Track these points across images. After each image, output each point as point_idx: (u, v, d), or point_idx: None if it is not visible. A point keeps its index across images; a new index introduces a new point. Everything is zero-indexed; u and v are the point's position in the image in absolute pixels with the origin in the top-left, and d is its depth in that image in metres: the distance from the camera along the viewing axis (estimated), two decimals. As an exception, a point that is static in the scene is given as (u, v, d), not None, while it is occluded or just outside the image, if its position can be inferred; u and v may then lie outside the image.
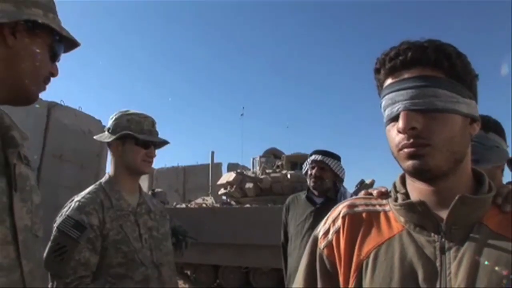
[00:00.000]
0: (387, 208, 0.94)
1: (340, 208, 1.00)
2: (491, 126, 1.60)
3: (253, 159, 10.08)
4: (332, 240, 0.96)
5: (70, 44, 1.13)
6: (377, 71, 0.90)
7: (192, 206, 8.83)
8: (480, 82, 0.88)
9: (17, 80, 1.00)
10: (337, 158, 3.18)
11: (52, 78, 1.11)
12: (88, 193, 1.90)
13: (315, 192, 3.15)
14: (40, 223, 1.09)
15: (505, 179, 1.74)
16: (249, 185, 8.47)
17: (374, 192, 1.01)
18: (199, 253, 7.23)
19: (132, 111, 2.06)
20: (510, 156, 1.66)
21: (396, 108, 0.83)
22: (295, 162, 8.81)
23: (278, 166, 8.98)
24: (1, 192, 0.92)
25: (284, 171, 8.57)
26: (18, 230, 0.93)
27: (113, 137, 1.96)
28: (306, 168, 3.27)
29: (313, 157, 3.18)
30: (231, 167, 13.55)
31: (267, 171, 8.78)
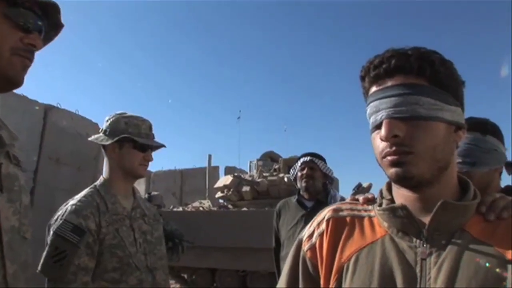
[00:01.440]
0: (372, 213, 0.95)
1: (325, 212, 1.01)
2: (489, 129, 1.60)
3: (250, 162, 10.08)
4: (315, 243, 0.97)
5: (46, 10, 1.04)
6: (362, 78, 0.91)
7: (189, 209, 8.82)
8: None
9: None
10: (323, 159, 3.24)
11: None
12: (84, 196, 1.87)
13: (306, 196, 3.18)
14: (29, 224, 1.07)
15: (504, 182, 1.73)
16: (246, 188, 8.47)
17: (360, 198, 1.02)
18: (196, 256, 7.23)
19: (129, 113, 2.04)
20: (508, 159, 1.66)
21: (380, 116, 0.84)
22: (292, 165, 8.81)
23: (275, 170, 8.98)
24: None
25: (281, 175, 8.57)
26: (3, 231, 0.91)
27: (111, 139, 1.93)
28: (295, 172, 3.29)
29: (302, 159, 3.23)
30: (228, 170, 13.54)
31: (264, 174, 8.78)
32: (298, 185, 3.24)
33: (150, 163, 2.06)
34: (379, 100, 0.85)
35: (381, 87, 0.86)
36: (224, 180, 9.07)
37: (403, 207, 0.84)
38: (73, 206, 1.80)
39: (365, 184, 7.36)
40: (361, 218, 0.95)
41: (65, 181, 9.42)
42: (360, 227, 0.93)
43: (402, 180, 0.82)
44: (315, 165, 3.17)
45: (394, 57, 0.85)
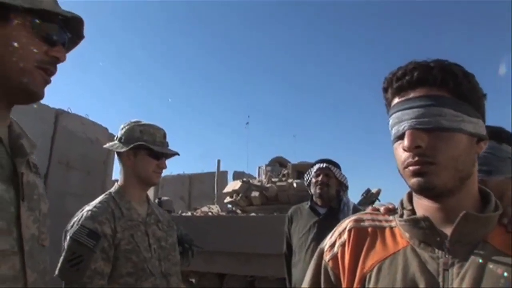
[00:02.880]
0: (393, 224, 0.96)
1: (347, 222, 1.02)
2: (504, 137, 1.59)
3: (259, 167, 10.06)
4: (337, 253, 0.98)
5: (68, 23, 1.05)
6: (385, 90, 0.93)
7: (198, 214, 8.83)
8: (480, 82, 0.90)
9: (1, 75, 0.95)
10: (339, 166, 3.24)
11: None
12: (99, 202, 1.90)
13: (319, 202, 3.17)
14: (47, 232, 1.08)
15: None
16: (255, 193, 8.46)
17: (382, 209, 1.03)
18: (204, 261, 7.23)
19: (144, 122, 2.07)
20: None
21: (402, 127, 0.85)
22: (301, 171, 8.77)
23: (284, 175, 8.96)
24: (9, 202, 0.91)
25: (290, 180, 8.55)
26: (24, 240, 0.92)
27: (126, 147, 1.96)
28: (309, 178, 3.29)
29: (317, 165, 3.23)
30: (237, 175, 13.54)
31: (273, 179, 8.76)
32: (312, 191, 3.24)
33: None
34: (402, 111, 0.86)
35: (403, 98, 0.87)
36: (233, 185, 9.07)
37: (425, 219, 0.85)
38: (89, 212, 1.82)
39: (373, 190, 7.34)
40: (383, 229, 0.96)
41: (75, 186, 9.48)
42: (381, 237, 0.94)
43: (424, 190, 0.83)
44: (330, 172, 3.17)
45: (417, 69, 0.86)
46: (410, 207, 0.93)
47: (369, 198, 7.25)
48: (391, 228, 0.95)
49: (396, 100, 0.89)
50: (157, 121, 2.12)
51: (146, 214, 2.01)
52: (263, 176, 9.46)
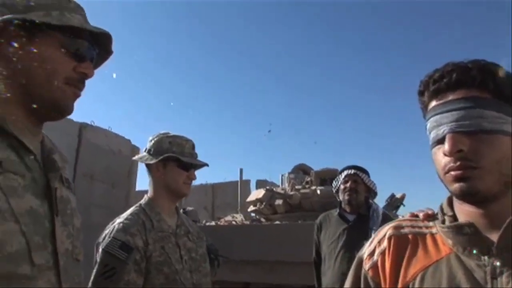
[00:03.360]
0: (433, 230, 0.93)
1: (386, 229, 0.99)
2: None
3: (282, 175, 10.01)
4: (377, 261, 0.95)
5: (97, 38, 1.07)
6: (421, 93, 0.90)
7: (222, 223, 8.83)
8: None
9: (33, 92, 0.97)
10: (367, 172, 3.21)
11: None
12: (130, 214, 1.91)
13: (347, 209, 3.14)
14: (81, 247, 1.09)
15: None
16: (278, 201, 8.42)
17: (421, 215, 1.00)
18: (229, 270, 7.20)
19: (172, 133, 2.08)
20: None
21: (442, 131, 0.82)
22: (325, 177, 8.72)
23: (307, 182, 8.90)
24: (44, 217, 0.92)
25: (313, 187, 8.48)
26: (59, 255, 0.93)
27: (156, 159, 1.97)
28: (337, 185, 3.26)
29: (346, 172, 3.20)
30: (260, 183, 13.52)
31: (296, 187, 8.71)
32: (340, 198, 3.22)
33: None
34: (441, 114, 0.83)
35: (442, 101, 0.85)
36: (257, 193, 9.05)
37: (470, 225, 0.82)
38: (121, 224, 1.83)
39: (398, 195, 7.23)
40: (423, 235, 0.93)
41: (99, 198, 9.60)
42: (423, 244, 0.91)
43: (466, 195, 0.80)
44: (359, 178, 3.15)
45: (455, 70, 0.83)
46: (451, 213, 0.91)
47: (394, 203, 7.14)
48: (432, 234, 0.92)
49: (434, 103, 0.87)
50: (177, 131, 2.14)
51: (176, 225, 2.00)
52: (286, 184, 9.42)
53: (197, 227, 2.25)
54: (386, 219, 3.05)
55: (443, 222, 0.91)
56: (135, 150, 11.08)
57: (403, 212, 7.53)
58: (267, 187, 9.05)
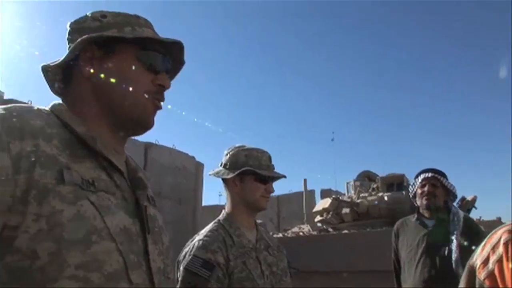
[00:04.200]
0: None
1: (500, 234, 0.92)
2: None
3: (347, 183, 9.87)
4: (493, 269, 0.88)
5: (169, 50, 1.07)
6: None
7: (289, 235, 8.79)
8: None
9: (116, 108, 0.99)
10: (445, 175, 3.06)
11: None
12: (210, 231, 1.88)
13: (426, 214, 3.02)
14: (172, 265, 1.08)
15: None
16: (345, 210, 8.29)
17: None
18: (300, 281, 7.13)
19: (248, 146, 2.05)
20: None
21: None
22: (391, 183, 8.51)
23: (373, 189, 8.72)
24: (136, 235, 0.91)
25: (380, 194, 8.30)
26: (153, 273, 0.92)
27: (232, 173, 1.94)
28: (414, 189, 3.14)
29: (422, 175, 3.07)
30: (324, 193, 13.39)
31: (363, 194, 8.55)
32: (418, 203, 3.09)
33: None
34: None
35: None
36: (323, 203, 8.96)
37: None
38: (201, 242, 1.81)
39: (469, 197, 6.91)
40: None
41: (168, 214, 9.80)
42: None
43: None
44: (437, 181, 3.02)
45: None
46: None
47: (465, 206, 6.83)
48: None
49: None
50: (240, 143, 2.10)
51: (256, 240, 1.97)
52: (352, 192, 9.28)
53: (276, 240, 2.20)
54: (468, 223, 2.93)
55: None
56: (199, 166, 11.28)
57: (475, 215, 7.18)
58: (333, 196, 8.93)
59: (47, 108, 0.95)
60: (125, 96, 0.98)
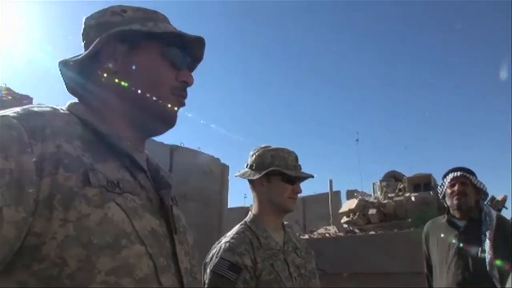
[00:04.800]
0: None
1: None
2: None
3: (373, 183, 9.75)
4: None
5: (187, 44, 1.04)
6: None
7: (315, 236, 8.74)
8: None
9: (141, 105, 0.96)
10: (474, 174, 2.97)
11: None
12: (236, 233, 1.86)
13: (457, 214, 2.93)
14: (198, 265, 1.06)
15: None
16: (372, 211, 8.19)
17: None
18: (327, 283, 7.07)
19: (274, 146, 2.02)
20: None
21: None
22: (418, 183, 8.38)
23: (400, 189, 8.60)
24: (164, 236, 0.89)
25: (407, 194, 8.18)
26: (182, 274, 0.90)
27: (259, 174, 1.91)
28: (443, 189, 3.06)
29: (451, 174, 2.98)
30: (350, 194, 13.27)
31: (389, 195, 8.45)
32: (448, 203, 3.00)
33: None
34: None
35: None
36: (349, 204, 8.88)
37: None
38: (227, 244, 1.79)
39: (499, 197, 6.76)
40: None
41: (193, 217, 9.83)
42: None
43: None
44: (467, 180, 2.92)
45: None
46: None
47: (495, 206, 6.68)
48: None
49: None
50: (261, 143, 2.07)
51: (283, 241, 1.94)
52: (379, 192, 9.17)
53: (305, 241, 2.17)
54: (501, 222, 2.84)
55: None
56: (225, 168, 11.30)
57: (506, 215, 7.03)
58: (360, 197, 8.85)
59: (64, 108, 0.93)
60: (152, 92, 0.96)
